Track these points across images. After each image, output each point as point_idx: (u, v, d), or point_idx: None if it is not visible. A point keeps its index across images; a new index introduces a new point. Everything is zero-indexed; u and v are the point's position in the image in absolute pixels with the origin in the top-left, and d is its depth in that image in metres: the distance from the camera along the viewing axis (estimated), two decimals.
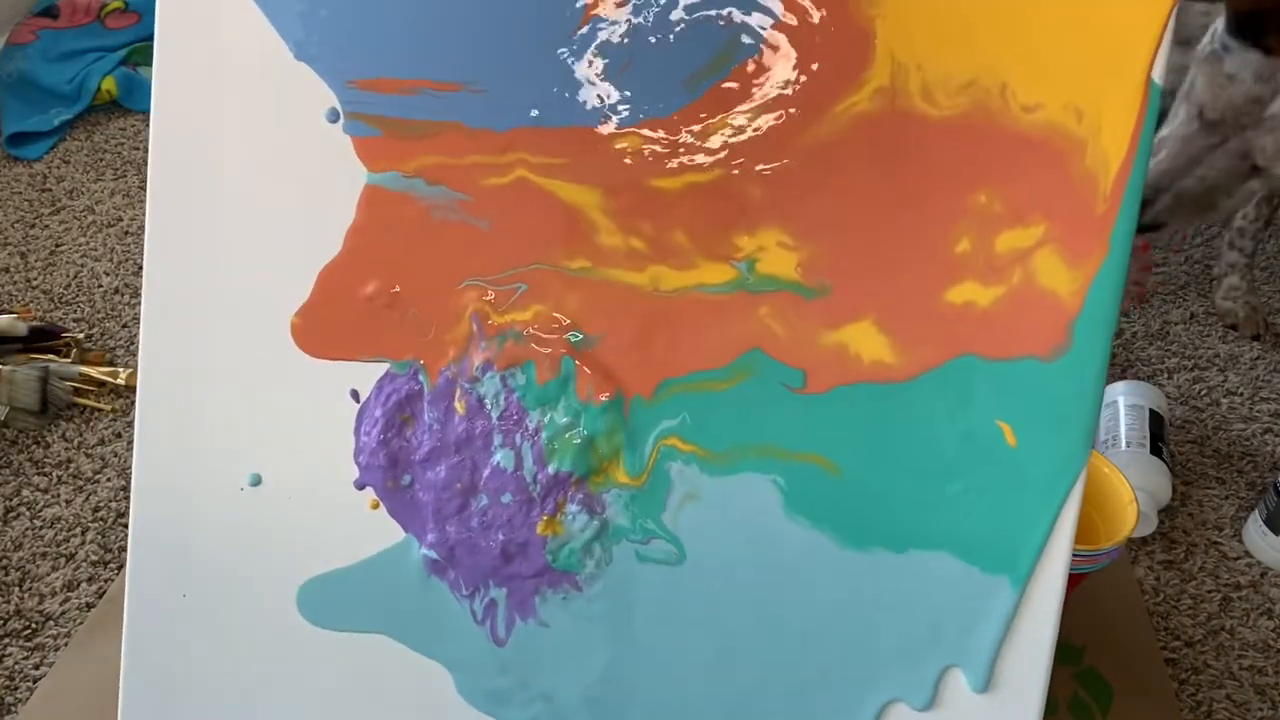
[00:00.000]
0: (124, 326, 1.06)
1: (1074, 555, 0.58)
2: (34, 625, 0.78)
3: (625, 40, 0.39)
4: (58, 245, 1.17)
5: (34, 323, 1.01)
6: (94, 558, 0.83)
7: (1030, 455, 0.38)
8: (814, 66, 0.38)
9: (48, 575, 0.82)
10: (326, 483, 0.44)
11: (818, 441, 0.40)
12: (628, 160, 0.40)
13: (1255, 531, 0.87)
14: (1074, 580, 0.69)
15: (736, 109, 0.39)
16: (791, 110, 0.39)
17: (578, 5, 0.39)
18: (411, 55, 0.40)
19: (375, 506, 0.44)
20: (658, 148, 0.40)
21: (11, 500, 0.88)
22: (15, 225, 1.20)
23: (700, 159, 0.40)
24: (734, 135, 0.39)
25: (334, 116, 0.41)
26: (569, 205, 0.41)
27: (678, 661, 0.41)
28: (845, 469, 0.40)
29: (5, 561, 0.83)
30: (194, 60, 0.41)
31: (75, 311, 1.08)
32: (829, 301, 0.40)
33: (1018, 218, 0.37)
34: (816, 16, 0.37)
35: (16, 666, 0.75)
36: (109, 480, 0.90)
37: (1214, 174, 0.78)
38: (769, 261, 0.40)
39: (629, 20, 0.39)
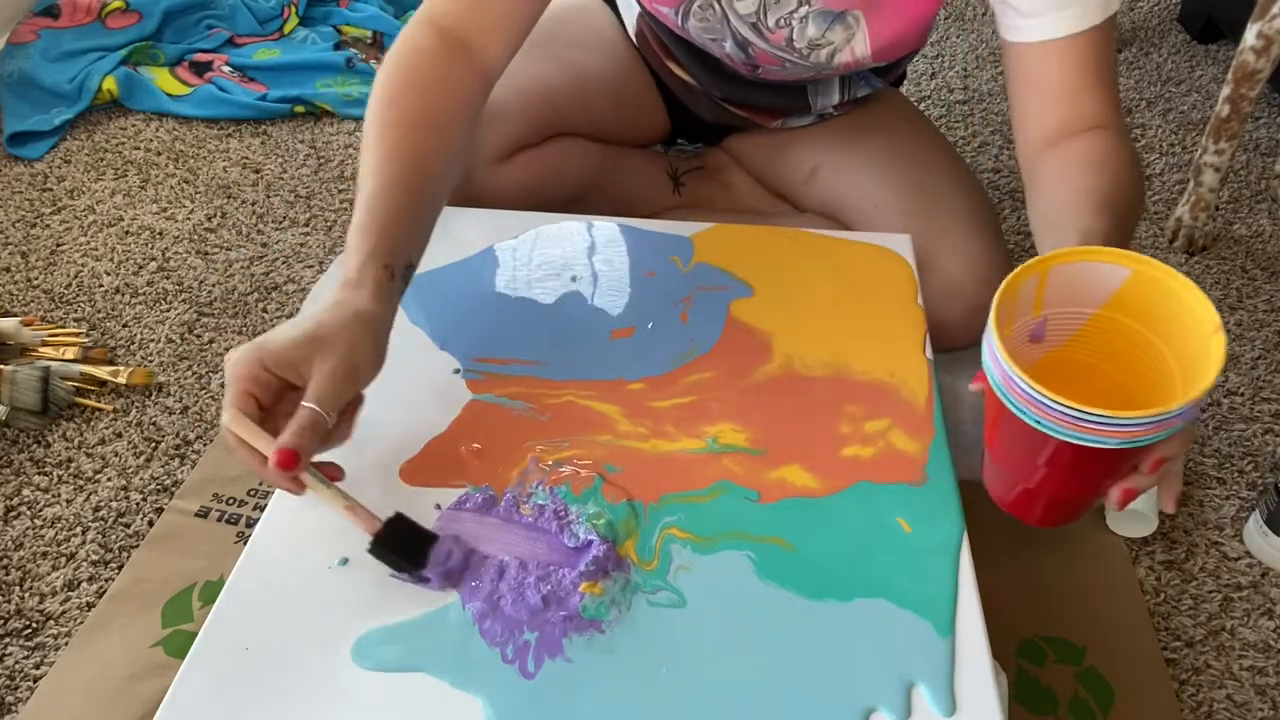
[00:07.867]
0: (124, 326, 1.06)
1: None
2: (34, 625, 0.78)
3: (635, 335, 0.70)
4: (58, 245, 1.17)
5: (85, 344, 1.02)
6: (94, 557, 0.83)
7: (921, 537, 0.57)
8: (743, 354, 0.69)
9: (48, 575, 0.82)
10: None
11: (775, 529, 0.57)
12: (638, 394, 0.66)
13: (1255, 531, 0.87)
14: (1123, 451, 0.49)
15: (703, 371, 0.68)
16: (731, 371, 0.68)
17: (607, 330, 0.71)
18: (506, 344, 0.69)
19: None
20: (655, 389, 0.66)
21: (12, 500, 0.88)
22: (16, 225, 1.20)
23: (681, 395, 0.66)
24: (699, 382, 0.67)
25: (457, 371, 0.68)
26: (600, 412, 0.65)
27: (682, 684, 0.50)
28: (798, 547, 0.57)
29: (6, 561, 0.83)
30: None
31: (75, 311, 1.08)
32: (767, 457, 0.62)
33: (872, 416, 0.64)
34: (744, 336, 0.71)
35: (16, 666, 0.75)
36: (109, 480, 0.90)
37: None
38: (726, 438, 0.63)
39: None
